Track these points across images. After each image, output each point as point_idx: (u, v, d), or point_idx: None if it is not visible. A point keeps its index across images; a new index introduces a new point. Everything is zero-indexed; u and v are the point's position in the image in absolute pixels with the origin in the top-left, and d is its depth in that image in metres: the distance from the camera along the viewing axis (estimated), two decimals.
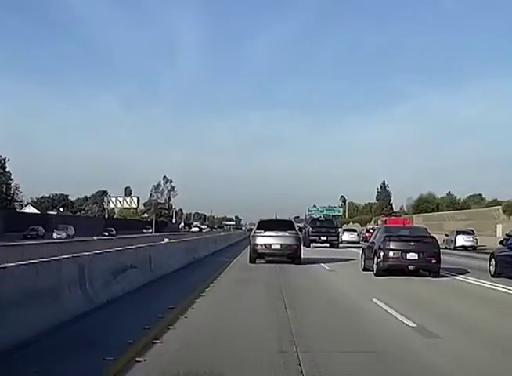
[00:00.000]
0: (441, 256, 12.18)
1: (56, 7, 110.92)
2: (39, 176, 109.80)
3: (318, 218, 41.13)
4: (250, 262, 15.85)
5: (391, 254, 11.77)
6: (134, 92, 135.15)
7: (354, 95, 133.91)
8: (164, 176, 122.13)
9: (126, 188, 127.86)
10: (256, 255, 15.86)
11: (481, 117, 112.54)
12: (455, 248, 31.29)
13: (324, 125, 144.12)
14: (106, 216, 75.56)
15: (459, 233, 33.04)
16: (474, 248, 30.90)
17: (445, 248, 32.20)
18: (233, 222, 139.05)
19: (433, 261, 11.72)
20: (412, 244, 11.89)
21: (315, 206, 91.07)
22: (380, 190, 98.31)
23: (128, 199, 76.67)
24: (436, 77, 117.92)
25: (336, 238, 31.10)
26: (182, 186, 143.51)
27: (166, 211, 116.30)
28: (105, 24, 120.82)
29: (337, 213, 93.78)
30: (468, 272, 13.58)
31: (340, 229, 39.16)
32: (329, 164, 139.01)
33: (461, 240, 32.17)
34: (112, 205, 75.59)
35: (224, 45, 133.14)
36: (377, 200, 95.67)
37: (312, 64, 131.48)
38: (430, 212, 58.19)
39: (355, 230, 40.92)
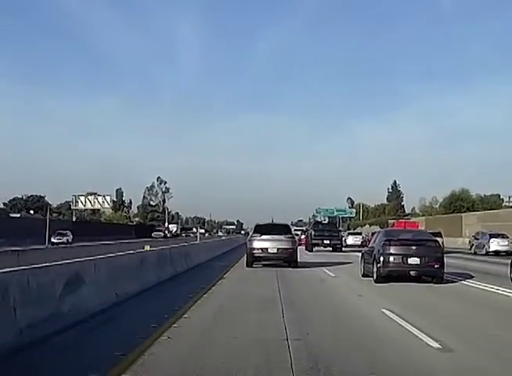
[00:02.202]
0: (445, 260, 13.98)
1: (56, 8, 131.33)
2: (32, 177, 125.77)
3: (320, 222, 46.15)
4: (247, 265, 19.05)
5: (391, 259, 13.48)
6: (134, 94, 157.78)
7: (356, 98, 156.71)
8: (158, 177, 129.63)
9: (117, 190, 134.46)
10: (253, 259, 19.10)
11: (487, 119, 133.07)
12: (487, 253, 33.03)
13: (327, 128, 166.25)
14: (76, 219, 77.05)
15: (492, 236, 34.73)
16: (509, 254, 32.54)
17: (474, 253, 34.14)
18: (234, 226, 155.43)
19: (436, 266, 13.44)
20: (413, 248, 13.57)
21: (319, 208, 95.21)
22: (391, 191, 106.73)
23: (100, 198, 76.61)
24: (441, 78, 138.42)
25: (339, 242, 35.60)
26: (183, 190, 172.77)
27: (159, 214, 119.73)
28: (105, 26, 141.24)
29: (348, 215, 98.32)
30: (479, 277, 15.40)
31: (345, 233, 45.32)
32: (334, 167, 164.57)
33: (495, 245, 33.73)
34: (81, 205, 76.07)
35: (224, 48, 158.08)
36: (388, 200, 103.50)
37: (314, 64, 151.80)
38: (464, 212, 59.15)
39: (359, 234, 45.54)
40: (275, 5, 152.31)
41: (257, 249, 18.84)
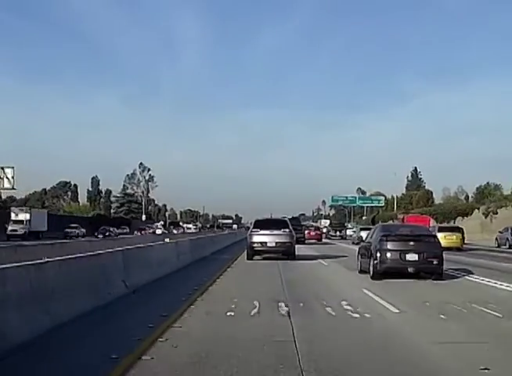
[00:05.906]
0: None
1: (57, 6, 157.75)
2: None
3: (285, 217, 59.53)
4: (248, 258, 25.65)
5: (388, 255, 16.76)
6: (135, 91, 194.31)
7: (357, 93, 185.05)
8: (141, 163, 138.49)
9: (93, 178, 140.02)
10: (253, 252, 25.75)
11: (493, 115, 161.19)
12: None
13: (330, 123, 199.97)
14: None
15: None
16: None
17: None
18: (230, 221, 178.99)
19: (435, 262, 16.70)
20: (411, 243, 16.86)
21: (336, 196, 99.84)
22: (410, 179, 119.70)
23: None
24: (441, 77, 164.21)
25: (302, 235, 49.51)
26: (180, 183, 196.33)
27: (137, 206, 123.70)
28: (107, 24, 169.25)
29: (376, 204, 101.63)
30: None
31: (357, 228, 56.82)
32: (339, 161, 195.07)
33: None
34: None
35: (226, 44, 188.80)
36: (407, 190, 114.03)
37: (316, 63, 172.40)
38: None
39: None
40: (278, 2, 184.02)
41: (257, 243, 25.50)
